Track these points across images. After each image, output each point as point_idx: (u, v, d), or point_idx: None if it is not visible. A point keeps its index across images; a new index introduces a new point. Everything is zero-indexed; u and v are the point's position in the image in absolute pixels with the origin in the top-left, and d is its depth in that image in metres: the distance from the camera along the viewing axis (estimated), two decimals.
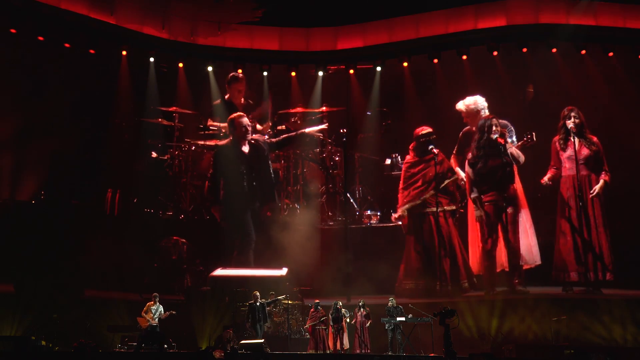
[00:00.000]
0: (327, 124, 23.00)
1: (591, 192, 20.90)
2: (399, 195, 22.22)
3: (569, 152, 21.18)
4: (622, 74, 21.68)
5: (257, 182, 22.07)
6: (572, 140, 21.10)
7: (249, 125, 22.08)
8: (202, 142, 22.78)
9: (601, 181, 20.94)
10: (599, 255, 20.70)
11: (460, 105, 22.04)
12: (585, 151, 21.08)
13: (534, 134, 21.03)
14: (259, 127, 23.17)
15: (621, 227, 20.92)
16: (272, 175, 22.37)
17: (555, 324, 19.29)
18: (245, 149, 22.10)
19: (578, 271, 20.74)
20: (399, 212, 22.03)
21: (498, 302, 20.42)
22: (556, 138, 21.40)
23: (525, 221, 21.21)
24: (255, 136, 22.41)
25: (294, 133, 22.84)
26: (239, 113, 22.30)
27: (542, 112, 21.84)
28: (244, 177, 21.94)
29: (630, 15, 21.38)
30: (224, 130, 22.63)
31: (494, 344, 19.24)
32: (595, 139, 21.16)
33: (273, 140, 22.69)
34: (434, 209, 21.61)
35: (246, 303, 19.35)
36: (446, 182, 21.74)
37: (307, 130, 22.75)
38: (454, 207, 21.76)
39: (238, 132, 22.05)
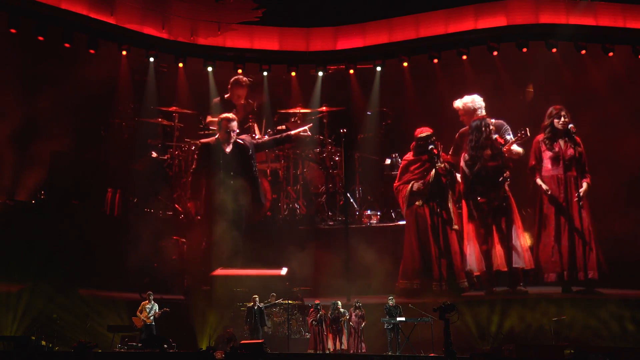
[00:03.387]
0: (311, 124, 22.95)
1: (577, 196, 20.86)
2: (395, 192, 22.18)
3: (554, 152, 21.18)
4: (622, 74, 21.67)
5: (236, 182, 22.01)
6: (559, 140, 21.10)
7: (233, 131, 22.05)
8: (199, 142, 22.74)
9: (584, 184, 20.96)
10: (585, 255, 20.70)
11: (458, 104, 22.07)
12: (570, 152, 21.11)
13: (527, 129, 21.08)
14: (256, 127, 23.16)
15: (612, 226, 20.93)
16: (256, 176, 22.29)
17: (555, 324, 19.30)
18: (228, 148, 22.12)
19: (558, 272, 20.76)
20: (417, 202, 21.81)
21: (498, 302, 20.45)
22: (540, 137, 21.40)
23: (517, 225, 21.21)
24: (242, 136, 22.39)
25: (278, 135, 22.86)
26: (228, 115, 22.20)
27: (542, 112, 21.81)
28: (222, 176, 21.90)
29: (630, 15, 21.36)
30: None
31: (494, 343, 19.25)
32: (579, 140, 21.18)
33: (260, 141, 22.68)
34: (433, 209, 21.61)
35: (246, 304, 19.44)
36: (444, 181, 21.73)
37: (293, 132, 22.73)
38: (452, 207, 21.75)
39: (222, 134, 22.12)
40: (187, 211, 22.42)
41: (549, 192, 21.08)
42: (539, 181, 21.26)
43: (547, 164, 21.26)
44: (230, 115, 22.26)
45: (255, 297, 19.20)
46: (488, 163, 21.26)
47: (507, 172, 21.20)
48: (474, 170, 21.36)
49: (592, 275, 20.65)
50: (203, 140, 22.41)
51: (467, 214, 21.56)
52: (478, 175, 21.34)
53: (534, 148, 21.40)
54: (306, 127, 22.72)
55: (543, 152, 21.31)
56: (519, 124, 21.68)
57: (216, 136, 22.30)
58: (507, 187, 21.17)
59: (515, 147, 21.35)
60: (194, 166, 22.32)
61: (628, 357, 16.95)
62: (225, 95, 23.29)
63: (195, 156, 22.36)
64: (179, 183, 22.66)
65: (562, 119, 21.19)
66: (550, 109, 21.41)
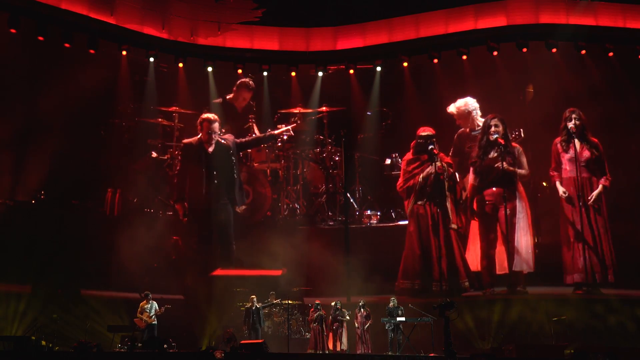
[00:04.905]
0: (294, 125, 22.96)
1: (589, 197, 20.85)
2: (401, 193, 22.16)
3: (570, 154, 21.17)
4: (622, 74, 21.67)
5: (220, 181, 21.97)
6: (574, 142, 21.09)
7: (215, 133, 21.95)
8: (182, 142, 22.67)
9: (600, 186, 20.93)
10: (601, 257, 20.67)
11: (452, 108, 22.10)
12: (586, 153, 21.07)
13: (521, 130, 21.09)
14: (256, 129, 23.14)
15: (623, 228, 20.91)
16: (236, 176, 22.19)
17: (555, 324, 19.30)
18: (210, 148, 22.04)
19: (581, 272, 20.72)
20: (418, 201, 21.78)
21: (498, 302, 20.44)
22: (557, 140, 21.39)
23: (523, 226, 21.16)
24: (225, 135, 22.35)
25: (261, 135, 22.80)
26: (208, 116, 22.04)
27: (542, 112, 21.81)
28: (204, 176, 21.85)
29: (630, 15, 21.37)
30: (224, 130, 22.63)
31: (494, 343, 19.26)
32: (597, 141, 21.15)
33: (243, 140, 22.63)
34: (433, 209, 21.60)
35: (245, 304, 19.47)
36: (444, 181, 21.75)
37: (277, 131, 22.72)
38: (451, 207, 21.73)
39: (204, 135, 22.02)
40: (176, 213, 22.38)
41: (566, 194, 21.03)
42: (558, 184, 21.21)
43: (565, 165, 21.24)
44: (212, 116, 22.15)
45: (253, 298, 19.27)
46: (493, 162, 21.24)
47: (521, 172, 21.13)
48: (480, 169, 21.37)
49: (605, 277, 20.60)
50: (185, 141, 22.33)
51: (471, 213, 21.53)
52: (484, 174, 21.33)
53: (553, 150, 21.38)
54: (289, 127, 22.73)
55: (561, 154, 21.29)
56: (519, 124, 21.69)
57: (198, 136, 22.25)
58: (521, 187, 21.14)
59: None
60: (178, 167, 22.29)
61: (628, 357, 16.95)
62: (227, 96, 23.28)
63: (179, 157, 22.33)
64: None
65: (574, 121, 21.15)
66: (565, 111, 21.35)
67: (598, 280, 20.61)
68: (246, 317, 19.15)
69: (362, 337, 18.79)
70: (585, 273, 20.64)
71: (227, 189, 21.97)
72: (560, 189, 21.13)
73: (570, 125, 21.10)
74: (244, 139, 22.68)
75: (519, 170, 21.22)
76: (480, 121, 21.91)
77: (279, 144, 23.11)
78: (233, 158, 22.17)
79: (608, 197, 21.00)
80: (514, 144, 21.46)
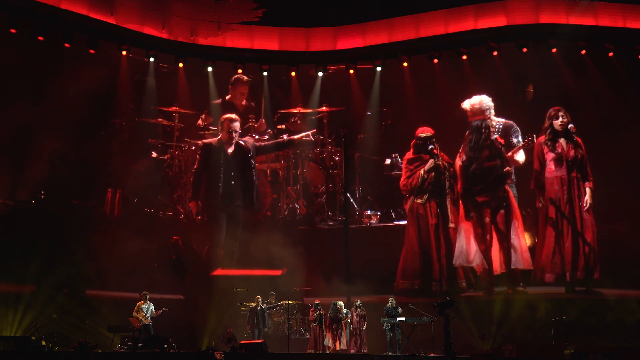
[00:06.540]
0: (314, 130, 22.98)
1: (584, 204, 20.79)
2: (403, 190, 22.17)
3: (556, 153, 21.16)
4: (622, 74, 21.68)
5: (236, 182, 22.00)
6: (560, 141, 21.09)
7: (235, 132, 22.01)
8: (202, 142, 22.75)
9: (587, 190, 20.93)
10: (587, 256, 20.68)
11: (466, 105, 22.02)
12: (572, 153, 21.07)
13: (534, 135, 21.06)
14: (263, 122, 23.15)
15: (617, 227, 20.92)
16: (254, 179, 22.23)
17: (555, 324, 19.30)
18: (230, 149, 22.07)
19: (558, 272, 20.74)
20: (417, 200, 21.82)
21: (497, 302, 20.45)
22: (541, 139, 21.37)
23: (517, 226, 21.16)
24: (245, 138, 22.36)
25: (281, 139, 22.84)
26: (230, 116, 22.16)
27: (542, 112, 21.81)
28: (222, 176, 21.85)
29: (630, 15, 21.40)
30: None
31: (494, 343, 19.26)
32: (580, 141, 21.15)
33: (262, 144, 22.64)
34: (433, 209, 21.60)
35: (246, 304, 19.46)
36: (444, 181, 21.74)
37: (296, 137, 22.74)
38: (450, 207, 21.73)
39: (224, 135, 22.06)
40: (187, 211, 22.43)
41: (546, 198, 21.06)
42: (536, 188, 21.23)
43: (550, 165, 21.22)
44: (233, 115, 22.23)
45: (258, 298, 19.32)
46: (486, 163, 21.26)
47: (508, 171, 21.13)
48: (472, 170, 21.37)
49: (595, 276, 20.61)
50: (205, 141, 22.41)
51: (463, 212, 21.54)
52: (476, 175, 21.34)
53: (537, 150, 21.34)
54: (309, 132, 22.74)
55: (546, 154, 21.27)
56: (519, 124, 21.69)
57: (218, 137, 22.27)
58: (507, 187, 21.14)
59: (517, 156, 21.27)
60: (195, 166, 22.30)
61: (628, 357, 16.94)
62: (227, 97, 23.29)
63: (198, 156, 22.34)
64: (179, 183, 22.68)
65: (561, 119, 21.16)
66: (550, 110, 21.40)
67: (574, 279, 20.63)
68: (250, 317, 19.17)
69: (357, 337, 18.76)
70: (565, 272, 20.67)
71: (243, 191, 21.97)
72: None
73: (557, 124, 21.09)
74: (263, 143, 22.69)
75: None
76: (494, 120, 21.81)
77: None
78: (252, 161, 22.21)
79: (595, 196, 20.95)
80: (499, 138, 21.38)
